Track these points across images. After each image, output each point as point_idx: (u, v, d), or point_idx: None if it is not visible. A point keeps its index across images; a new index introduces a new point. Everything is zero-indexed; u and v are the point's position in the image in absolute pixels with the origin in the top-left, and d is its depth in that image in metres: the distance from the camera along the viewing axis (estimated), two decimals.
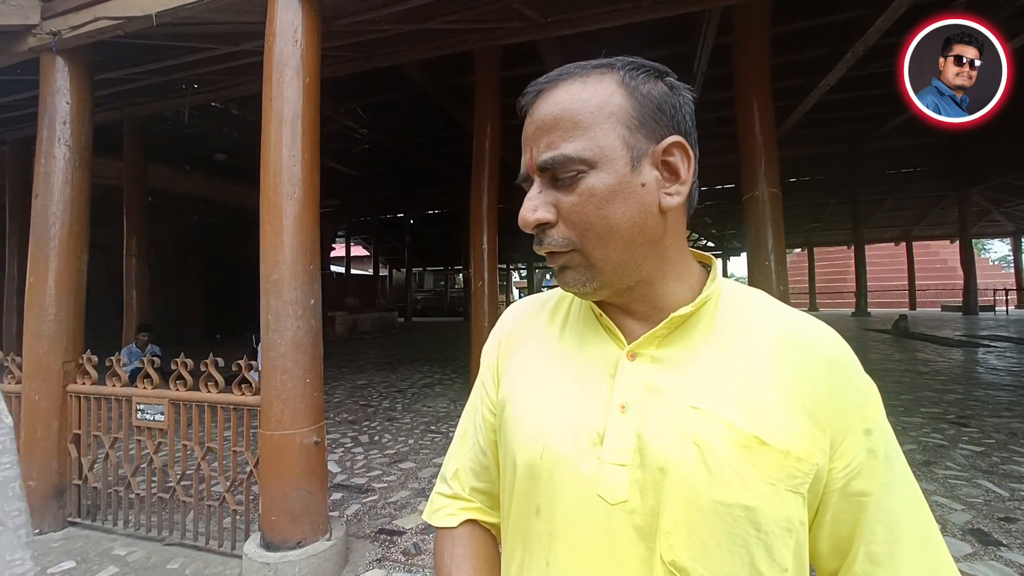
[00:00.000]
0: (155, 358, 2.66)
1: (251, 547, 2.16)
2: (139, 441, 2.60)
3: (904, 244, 21.24)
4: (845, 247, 22.56)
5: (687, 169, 0.48)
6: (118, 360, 2.69)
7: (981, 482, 2.98)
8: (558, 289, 0.63)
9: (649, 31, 6.00)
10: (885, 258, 24.82)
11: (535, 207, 0.48)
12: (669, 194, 0.48)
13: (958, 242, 16.72)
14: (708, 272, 0.54)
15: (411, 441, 4.19)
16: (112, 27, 2.80)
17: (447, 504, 0.62)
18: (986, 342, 9.68)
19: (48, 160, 2.88)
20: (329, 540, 2.20)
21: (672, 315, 0.48)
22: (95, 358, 2.78)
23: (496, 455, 0.60)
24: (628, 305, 0.52)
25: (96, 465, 2.78)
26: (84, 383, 2.78)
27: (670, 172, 0.48)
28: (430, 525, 2.63)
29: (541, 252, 0.50)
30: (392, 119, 10.00)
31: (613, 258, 0.48)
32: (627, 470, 0.45)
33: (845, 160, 13.16)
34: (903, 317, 12.30)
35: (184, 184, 12.77)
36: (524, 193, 0.51)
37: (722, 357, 0.47)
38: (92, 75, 3.12)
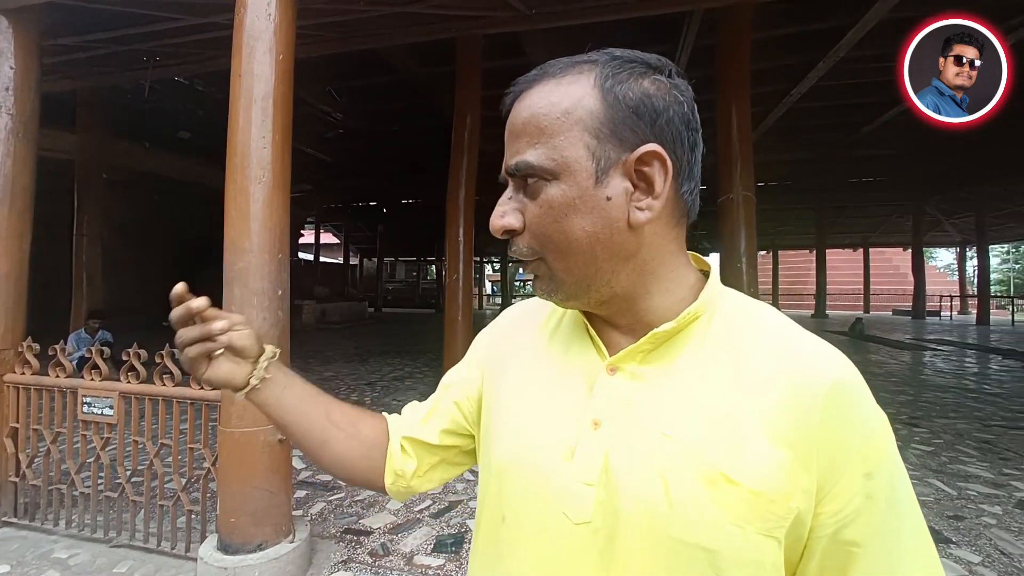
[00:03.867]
0: (104, 347, 2.49)
1: (207, 550, 2.04)
2: (85, 436, 2.42)
3: (861, 250, 22.22)
4: (807, 251, 23.44)
5: (663, 181, 0.43)
6: (63, 349, 2.50)
7: (932, 481, 3.13)
8: None
9: (634, 28, 6.00)
10: (843, 263, 25.94)
11: (503, 213, 0.47)
12: (640, 208, 0.43)
13: (910, 250, 17.60)
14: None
15: None
16: None
17: (407, 419, 0.63)
18: (933, 346, 10.23)
19: None
20: (292, 542, 2.10)
21: (654, 331, 0.45)
22: (36, 346, 2.58)
23: (468, 417, 0.60)
24: (611, 317, 0.49)
25: (36, 461, 2.58)
26: (24, 373, 2.58)
27: (646, 183, 0.43)
28: (398, 524, 2.59)
29: (511, 257, 0.49)
30: (368, 104, 9.73)
31: (575, 272, 0.45)
32: (593, 490, 0.43)
33: (812, 167, 13.62)
34: (859, 320, 12.87)
35: (144, 162, 12.06)
36: (503, 187, 0.48)
37: (706, 380, 0.43)
38: (40, 39, 2.88)
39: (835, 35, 6.17)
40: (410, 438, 0.61)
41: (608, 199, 0.42)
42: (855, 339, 11.70)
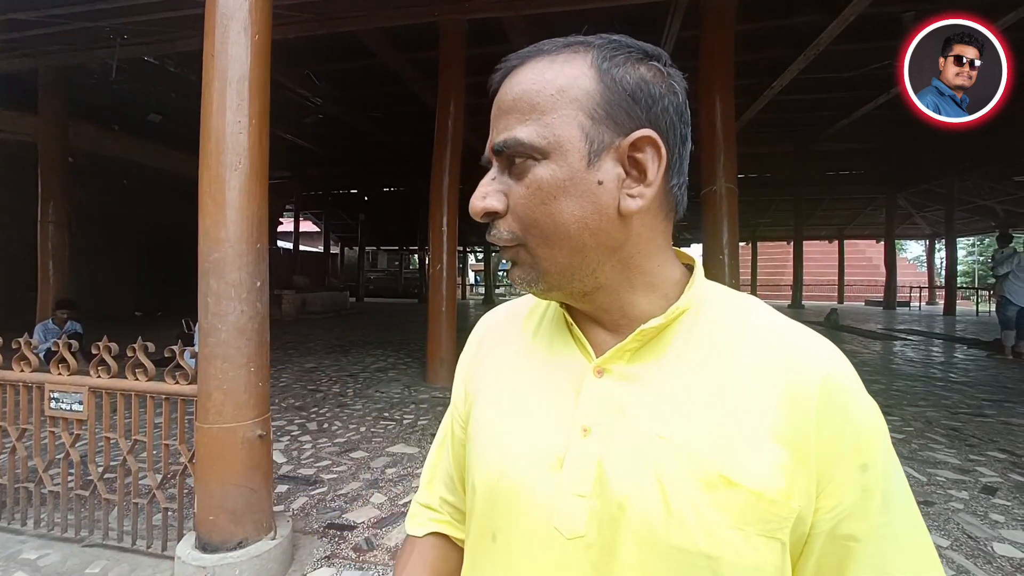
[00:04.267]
0: (73, 340, 2.38)
1: (185, 548, 1.99)
2: (53, 432, 2.33)
3: (836, 242, 22.76)
4: (784, 243, 23.91)
5: (656, 169, 0.41)
6: (27, 342, 2.39)
7: (904, 468, 3.21)
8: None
9: (618, 17, 5.96)
10: (819, 254, 26.56)
11: (485, 195, 0.44)
12: (631, 195, 0.42)
13: (883, 242, 18.09)
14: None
15: (363, 429, 4.05)
16: None
17: (419, 513, 0.61)
18: (903, 336, 10.58)
19: None
20: (274, 539, 2.06)
21: (642, 327, 0.43)
22: None
23: (463, 471, 0.56)
24: (595, 314, 0.47)
25: (1, 458, 2.48)
26: None
27: (638, 171, 0.42)
28: (383, 518, 2.56)
29: (490, 242, 0.46)
30: (349, 90, 9.51)
31: (559, 260, 0.43)
32: (586, 501, 0.41)
33: (791, 159, 13.86)
34: (834, 311, 13.21)
35: (113, 146, 11.58)
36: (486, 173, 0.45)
37: (697, 377, 0.42)
38: None
39: (816, 29, 6.23)
40: (436, 510, 0.60)
41: (599, 183, 0.41)
42: (830, 329, 12.02)
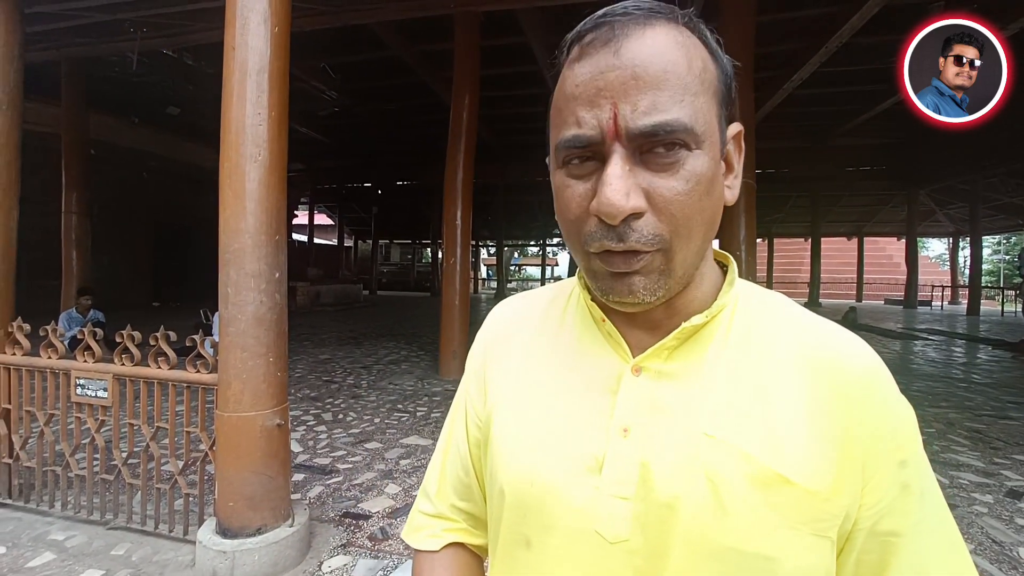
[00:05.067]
0: (97, 328, 2.43)
1: (205, 533, 2.03)
2: (79, 418, 2.39)
3: (855, 239, 22.33)
4: (802, 239, 23.53)
5: (740, 160, 0.43)
6: (55, 330, 2.44)
7: None
8: (550, 286, 0.55)
9: None
10: (836, 251, 26.08)
11: (627, 190, 0.35)
12: (728, 187, 0.42)
13: (904, 239, 17.71)
14: (725, 274, 0.47)
15: (377, 420, 4.09)
16: None
17: (428, 524, 0.55)
18: (924, 335, 10.36)
19: None
20: (291, 526, 2.10)
21: (684, 325, 0.41)
22: (27, 326, 2.52)
23: (481, 474, 0.53)
24: (647, 312, 0.43)
25: (30, 442, 2.55)
26: (15, 353, 2.52)
27: (726, 162, 0.42)
28: (397, 508, 2.59)
29: (618, 249, 0.37)
30: (362, 83, 9.53)
31: (690, 260, 0.40)
32: (629, 504, 0.39)
33: (808, 155, 13.58)
34: (852, 309, 12.99)
35: (131, 138, 11.82)
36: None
37: (738, 375, 0.41)
38: (22, 5, 2.75)
39: (833, 22, 6.07)
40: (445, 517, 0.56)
41: (722, 175, 0.41)
42: (848, 328, 11.82)
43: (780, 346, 0.41)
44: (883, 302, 21.09)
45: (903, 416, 0.40)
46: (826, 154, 13.51)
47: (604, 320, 0.45)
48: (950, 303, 20.34)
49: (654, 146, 0.36)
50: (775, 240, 23.82)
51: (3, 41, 2.61)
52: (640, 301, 0.39)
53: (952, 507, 2.64)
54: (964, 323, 13.15)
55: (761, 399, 0.39)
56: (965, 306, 16.30)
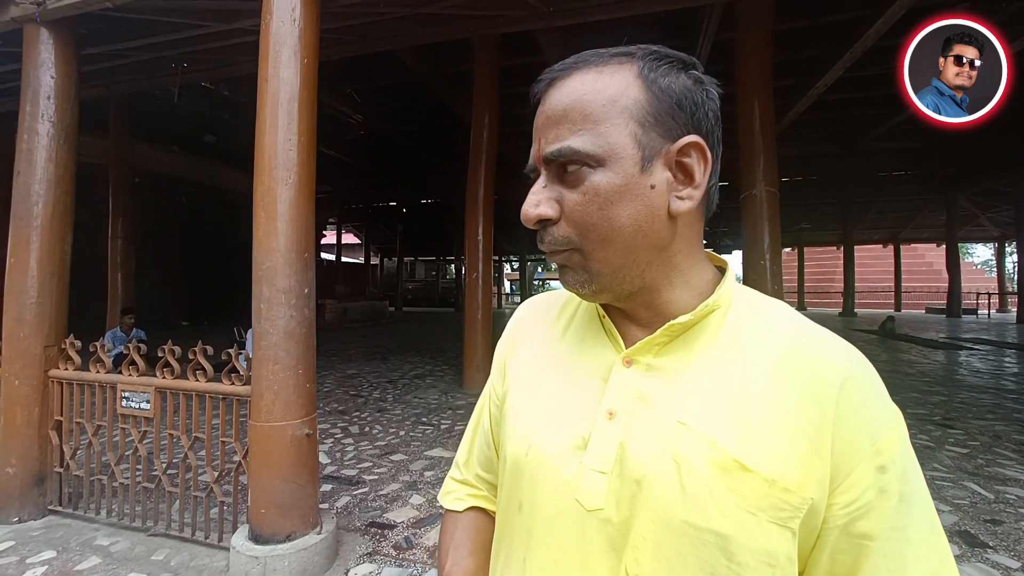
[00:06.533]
0: (140, 344, 2.59)
1: (239, 540, 2.11)
2: (124, 429, 2.53)
3: (892, 246, 21.52)
4: (834, 247, 22.80)
5: (703, 172, 0.45)
6: (102, 345, 2.61)
7: (967, 484, 3.03)
8: None
9: (650, 24, 5.94)
10: (872, 259, 25.17)
11: (537, 202, 0.46)
12: (680, 198, 0.45)
13: (944, 245, 16.98)
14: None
15: (402, 433, 4.16)
16: None
17: (456, 489, 0.65)
18: (969, 345, 9.86)
19: (31, 136, 2.77)
20: (320, 534, 2.16)
21: (670, 323, 0.46)
22: (78, 343, 2.70)
23: (498, 448, 0.60)
24: (632, 311, 0.50)
25: (78, 453, 2.71)
26: (67, 368, 2.70)
27: (684, 174, 0.45)
28: (421, 519, 2.63)
29: (542, 249, 0.48)
30: (385, 105, 9.84)
31: (613, 262, 0.45)
32: (606, 478, 0.44)
33: (837, 161, 13.24)
34: (890, 319, 12.48)
35: (171, 165, 12.49)
36: (523, 185, 0.48)
37: (720, 371, 0.44)
38: (78, 49, 3.00)
39: (858, 27, 5.99)
40: (470, 483, 0.65)
41: (652, 187, 0.44)
42: (885, 338, 11.36)
43: (766, 348, 0.44)
44: (924, 311, 20.17)
45: (887, 422, 0.41)
46: (856, 159, 13.14)
47: (604, 316, 0.51)
48: (998, 311, 19.30)
49: (562, 167, 0.45)
50: (805, 248, 23.17)
51: (62, 82, 2.85)
52: (579, 292, 0.48)
53: (997, 523, 2.53)
54: (1013, 332, 12.45)
55: (739, 395, 0.42)
56: (1015, 314, 15.44)
